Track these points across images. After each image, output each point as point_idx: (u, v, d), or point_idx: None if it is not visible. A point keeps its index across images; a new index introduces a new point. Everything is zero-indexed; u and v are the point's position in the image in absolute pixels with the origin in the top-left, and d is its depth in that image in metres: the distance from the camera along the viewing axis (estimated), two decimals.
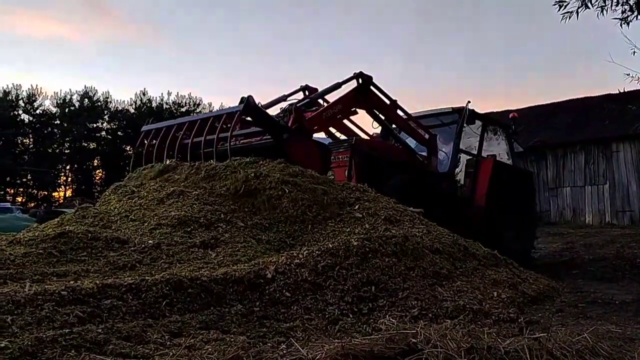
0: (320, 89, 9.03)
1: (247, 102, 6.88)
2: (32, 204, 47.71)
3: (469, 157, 9.90)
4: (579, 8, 9.30)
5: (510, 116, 11.82)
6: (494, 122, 11.01)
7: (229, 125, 7.16)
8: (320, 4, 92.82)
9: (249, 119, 7.40)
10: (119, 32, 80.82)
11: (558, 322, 4.46)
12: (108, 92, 58.33)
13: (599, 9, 9.31)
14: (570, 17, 9.36)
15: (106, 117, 55.32)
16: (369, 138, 9.17)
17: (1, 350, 2.76)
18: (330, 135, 9.07)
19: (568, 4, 9.35)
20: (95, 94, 54.91)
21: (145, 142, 8.17)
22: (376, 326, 3.86)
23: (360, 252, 4.81)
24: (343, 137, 8.93)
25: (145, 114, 47.95)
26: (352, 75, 8.36)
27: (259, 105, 7.28)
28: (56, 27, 76.60)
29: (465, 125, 9.60)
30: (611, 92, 22.94)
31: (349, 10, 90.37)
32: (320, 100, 8.81)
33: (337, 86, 8.65)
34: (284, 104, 8.68)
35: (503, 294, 5.02)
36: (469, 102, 9.50)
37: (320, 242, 5.31)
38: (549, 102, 26.07)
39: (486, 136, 10.80)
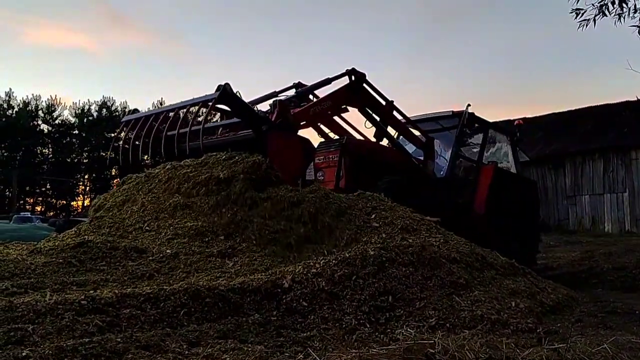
0: None
1: (224, 90, 6.39)
2: (51, 213, 48.24)
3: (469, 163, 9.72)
4: (596, 16, 9.24)
5: (515, 123, 11.50)
6: (495, 127, 10.68)
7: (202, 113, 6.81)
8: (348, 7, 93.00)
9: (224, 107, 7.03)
10: (136, 42, 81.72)
11: (577, 332, 4.40)
12: (126, 102, 59.24)
13: (617, 16, 9.25)
14: (587, 25, 9.31)
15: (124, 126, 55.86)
16: (362, 138, 8.84)
17: (23, 359, 2.80)
18: (321, 133, 8.79)
19: (585, 11, 9.29)
20: (113, 103, 55.59)
21: (124, 132, 7.84)
22: (393, 336, 3.86)
23: (377, 262, 4.80)
24: (336, 136, 8.59)
25: None
26: (344, 71, 7.93)
27: (238, 94, 6.72)
28: (74, 38, 77.66)
29: (466, 130, 9.43)
30: (630, 100, 22.78)
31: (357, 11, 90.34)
32: (312, 97, 8.32)
33: (327, 82, 8.17)
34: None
35: (521, 303, 4.97)
36: (468, 105, 9.30)
37: (337, 251, 5.31)
38: (567, 109, 25.87)
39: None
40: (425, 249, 5.29)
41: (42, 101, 53.25)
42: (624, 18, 9.28)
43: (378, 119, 8.28)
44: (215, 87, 6.67)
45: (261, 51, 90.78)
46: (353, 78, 7.87)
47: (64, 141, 54.27)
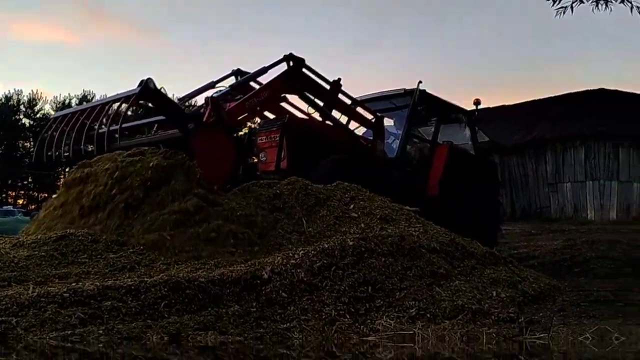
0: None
1: (145, 85, 5.91)
2: (33, 206, 47.86)
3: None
4: (573, 3, 9.30)
5: (473, 101, 11.09)
6: (450, 105, 9.92)
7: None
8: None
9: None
10: (118, 36, 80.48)
11: (560, 322, 4.38)
12: (106, 95, 58.30)
13: (594, 3, 9.32)
14: (564, 12, 9.36)
15: (104, 119, 55.44)
16: (306, 117, 8.33)
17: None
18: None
19: None
20: (93, 97, 54.92)
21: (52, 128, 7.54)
22: (373, 327, 3.89)
23: (356, 252, 4.80)
24: None
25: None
26: (281, 57, 7.51)
27: (162, 89, 6.23)
28: (55, 32, 76.51)
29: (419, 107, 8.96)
30: (605, 88, 22.71)
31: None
32: (255, 84, 7.79)
33: (263, 71, 7.65)
34: (212, 92, 7.54)
35: (502, 293, 4.96)
36: (420, 82, 8.94)
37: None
38: (546, 96, 25.62)
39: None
40: (405, 239, 5.29)
41: (24, 96, 52.80)
42: (602, 5, 9.34)
43: (322, 103, 7.96)
44: (138, 82, 6.20)
45: (252, 43, 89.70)
46: (291, 64, 7.50)
47: (45, 135, 53.85)
